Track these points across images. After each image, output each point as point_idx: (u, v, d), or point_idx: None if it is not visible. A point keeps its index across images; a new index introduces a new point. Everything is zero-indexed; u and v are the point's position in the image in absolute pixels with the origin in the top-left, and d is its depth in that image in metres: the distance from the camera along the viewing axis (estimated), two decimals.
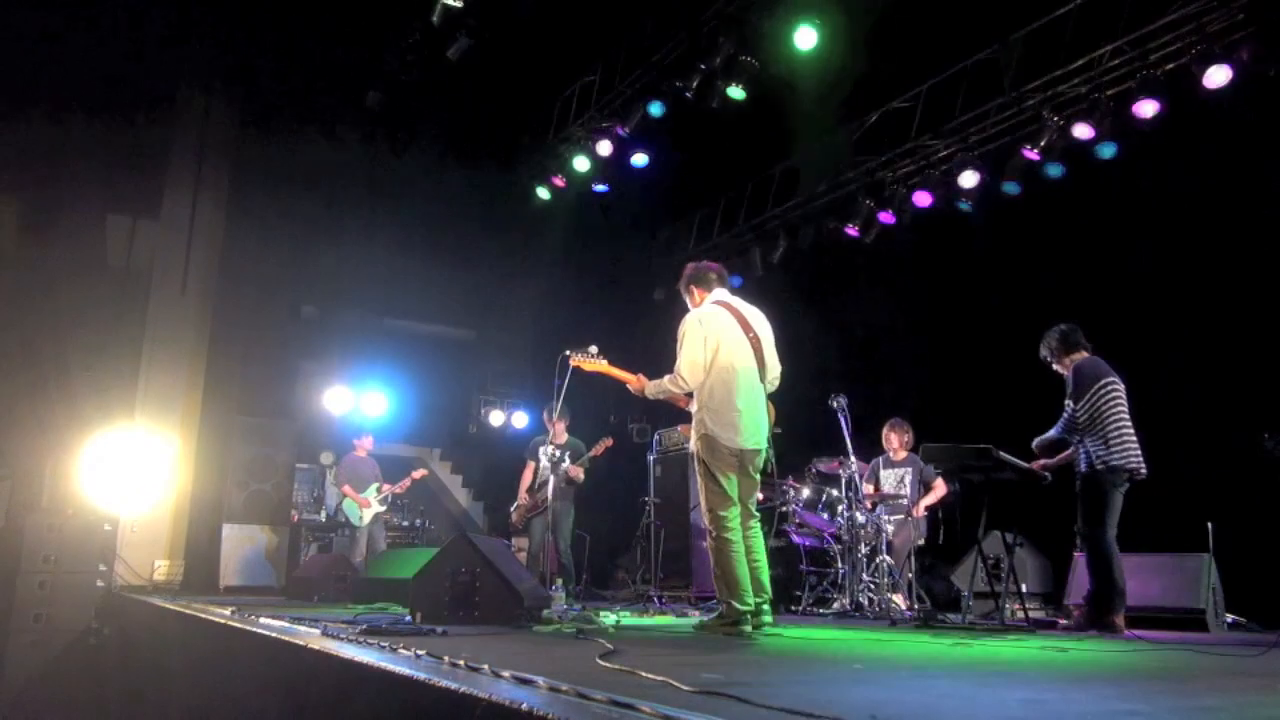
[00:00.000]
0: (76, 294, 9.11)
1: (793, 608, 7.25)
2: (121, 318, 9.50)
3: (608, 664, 2.89)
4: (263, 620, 4.45)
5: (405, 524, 10.31)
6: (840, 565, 7.32)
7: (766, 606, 4.70)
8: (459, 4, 8.02)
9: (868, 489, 7.50)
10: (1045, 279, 7.90)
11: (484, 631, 4.43)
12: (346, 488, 9.09)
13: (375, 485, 9.23)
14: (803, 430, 7.97)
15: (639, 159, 10.05)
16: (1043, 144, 7.94)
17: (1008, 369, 7.48)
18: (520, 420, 12.85)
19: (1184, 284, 7.18)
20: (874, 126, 9.56)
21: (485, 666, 2.52)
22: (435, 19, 8.08)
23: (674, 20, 8.82)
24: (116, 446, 8.79)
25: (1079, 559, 5.71)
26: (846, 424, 7.15)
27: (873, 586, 7.03)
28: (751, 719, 1.91)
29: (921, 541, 7.43)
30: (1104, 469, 5.15)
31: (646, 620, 5.86)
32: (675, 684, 2.29)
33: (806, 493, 7.93)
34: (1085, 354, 5.48)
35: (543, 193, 10.89)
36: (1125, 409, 5.26)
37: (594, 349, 5.53)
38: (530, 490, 8.01)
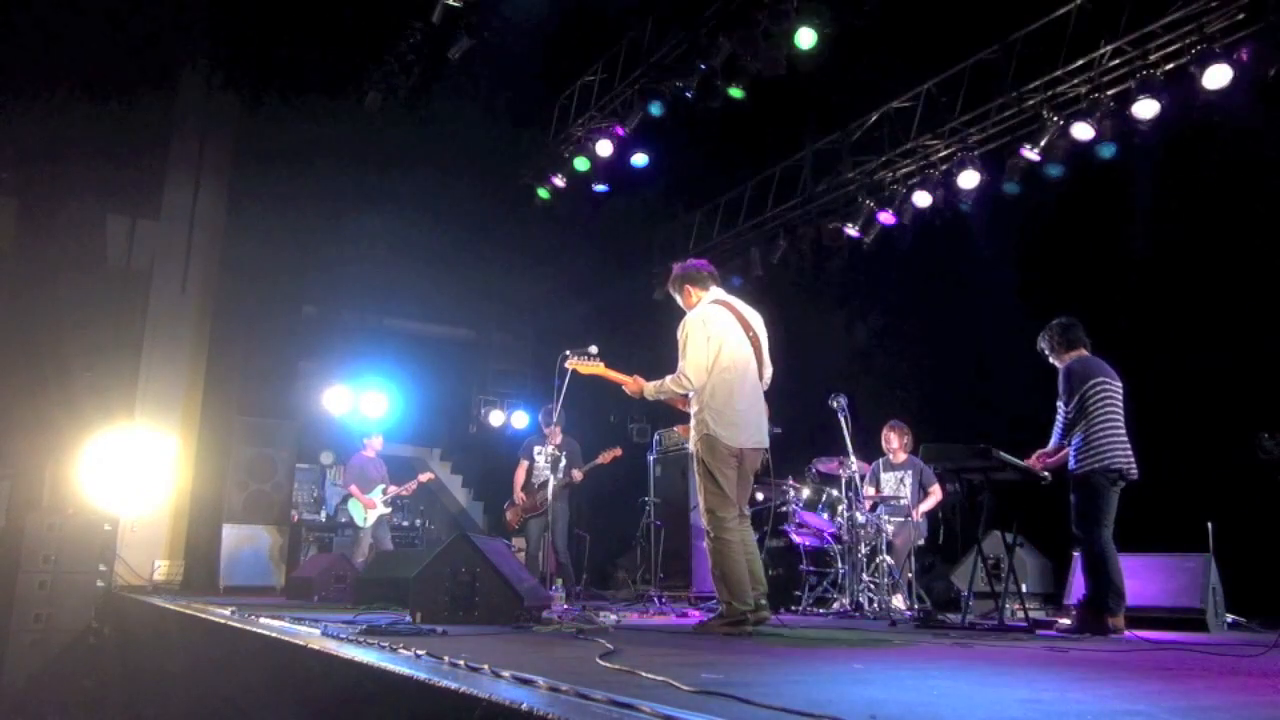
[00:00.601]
0: (76, 294, 9.11)
1: (793, 608, 7.25)
2: (121, 317, 9.49)
3: (608, 664, 2.89)
4: (263, 620, 4.45)
5: (405, 524, 10.31)
6: (840, 565, 7.32)
7: (764, 600, 4.69)
8: (459, 4, 8.02)
9: (868, 491, 7.50)
10: (1045, 279, 7.90)
11: (484, 631, 4.43)
12: (353, 487, 9.08)
13: (381, 486, 9.22)
14: (803, 430, 7.97)
15: (639, 159, 10.05)
16: (1043, 144, 7.94)
17: (1008, 369, 7.49)
18: (520, 420, 12.85)
19: (1184, 284, 7.18)
20: (874, 126, 9.56)
21: (485, 666, 2.52)
22: (435, 18, 8.09)
23: (674, 20, 8.82)
24: (116, 446, 8.79)
25: (1079, 559, 5.71)
26: (846, 424, 7.15)
27: (873, 587, 7.03)
28: (751, 719, 1.91)
29: (921, 542, 7.43)
30: (1089, 469, 5.12)
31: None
32: (675, 684, 2.29)
33: (806, 493, 7.92)
34: (1083, 351, 5.43)
35: (543, 193, 10.90)
36: (1115, 409, 5.20)
37: (594, 349, 5.54)
38: (526, 490, 8.01)
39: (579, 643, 3.83)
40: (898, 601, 7.03)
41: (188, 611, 5.36)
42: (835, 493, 7.57)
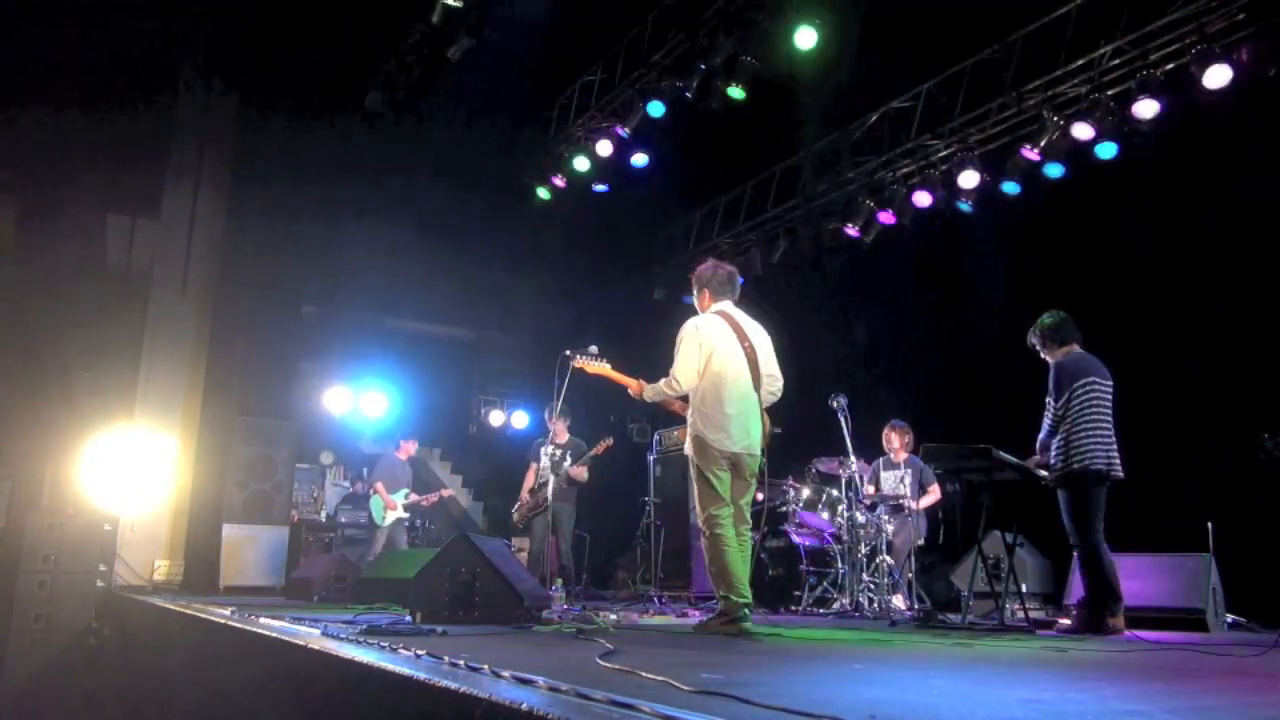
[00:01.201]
0: (76, 294, 9.10)
1: (793, 608, 7.25)
2: (121, 318, 9.49)
3: (608, 664, 2.89)
4: (263, 620, 4.45)
5: (405, 524, 10.29)
6: (840, 565, 7.32)
7: (747, 611, 4.70)
8: (459, 4, 8.02)
9: (869, 490, 7.50)
10: (1045, 278, 7.89)
11: (484, 631, 4.42)
12: (379, 485, 9.08)
13: (405, 490, 9.23)
14: (803, 430, 7.97)
15: (639, 159, 10.06)
16: (1043, 144, 7.94)
17: (1007, 369, 7.48)
18: (520, 420, 12.84)
19: (1183, 284, 7.18)
20: (874, 126, 9.56)
21: (485, 666, 2.52)
22: (435, 19, 8.09)
23: (674, 20, 8.82)
24: (116, 446, 8.79)
25: (1078, 559, 5.70)
26: (846, 424, 7.15)
27: (873, 586, 7.03)
28: (751, 719, 1.91)
29: (921, 541, 7.43)
30: (1069, 469, 5.10)
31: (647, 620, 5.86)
32: (675, 684, 2.29)
33: (806, 493, 7.93)
34: (1075, 347, 5.38)
35: (543, 193, 10.90)
36: (1102, 409, 5.15)
37: (594, 349, 5.57)
38: (531, 490, 8.01)
39: (579, 643, 3.83)
40: (898, 601, 7.03)
41: (188, 611, 5.36)
42: (835, 493, 7.57)
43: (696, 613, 6.17)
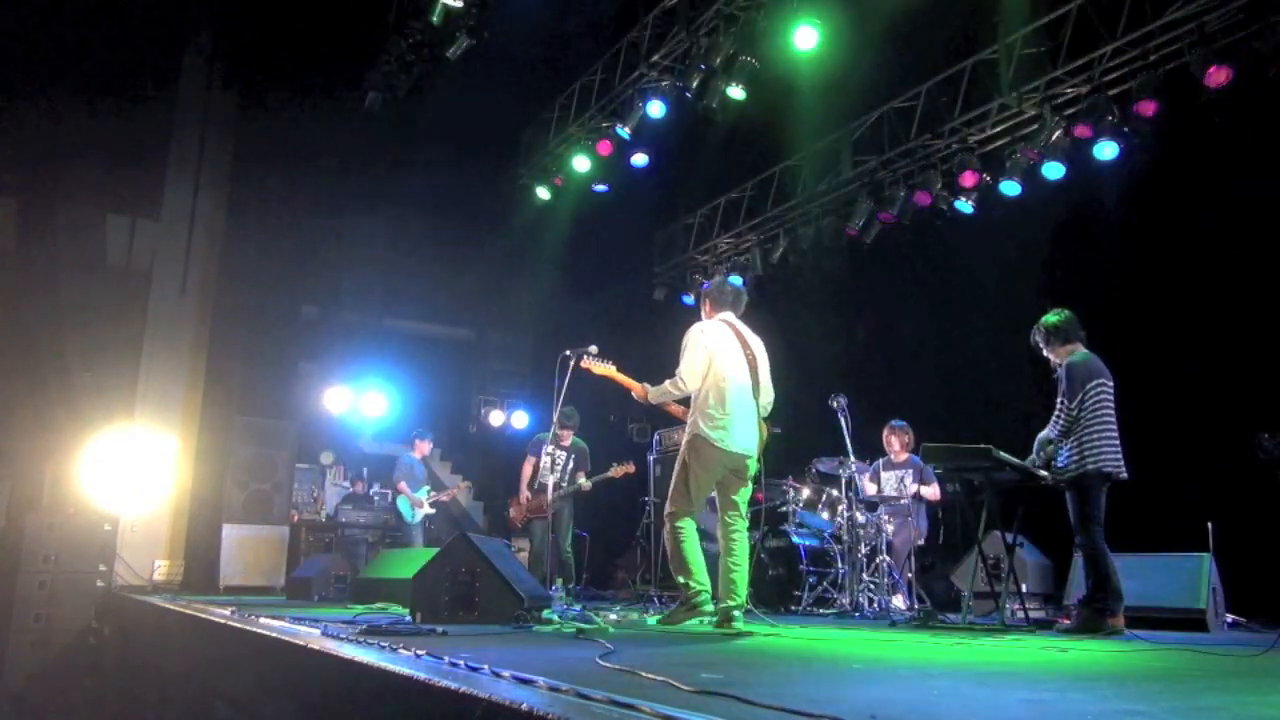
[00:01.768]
0: (76, 294, 9.10)
1: (793, 608, 7.25)
2: (121, 318, 9.49)
3: (608, 664, 2.89)
4: (263, 620, 4.45)
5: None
6: (840, 565, 7.31)
7: (739, 613, 4.82)
8: (459, 4, 8.02)
9: (870, 490, 7.49)
10: (1045, 278, 7.90)
11: (484, 631, 4.42)
12: (403, 485, 9.11)
13: (426, 488, 9.29)
14: (803, 430, 7.97)
15: (639, 159, 10.05)
16: (1043, 144, 7.94)
17: (1007, 369, 7.48)
18: (520, 420, 12.84)
19: (1183, 283, 7.18)
20: (874, 126, 9.56)
21: (485, 666, 2.52)
22: (435, 19, 8.09)
23: (674, 20, 8.83)
24: (116, 446, 8.79)
25: (1079, 559, 5.70)
26: (846, 424, 7.15)
27: (873, 586, 7.03)
28: (751, 719, 1.92)
29: (921, 541, 7.42)
30: (1082, 470, 5.10)
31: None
32: (675, 684, 2.29)
33: (806, 493, 7.92)
34: (1079, 346, 5.38)
35: (543, 193, 10.90)
36: (1111, 410, 5.16)
37: (594, 349, 5.59)
38: (531, 489, 8.00)
39: (579, 643, 3.83)
40: (898, 601, 7.02)
41: (188, 611, 5.36)
42: (835, 493, 7.57)
43: None
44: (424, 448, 9.48)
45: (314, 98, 9.53)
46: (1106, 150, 7.61)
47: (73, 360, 8.91)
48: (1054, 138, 7.90)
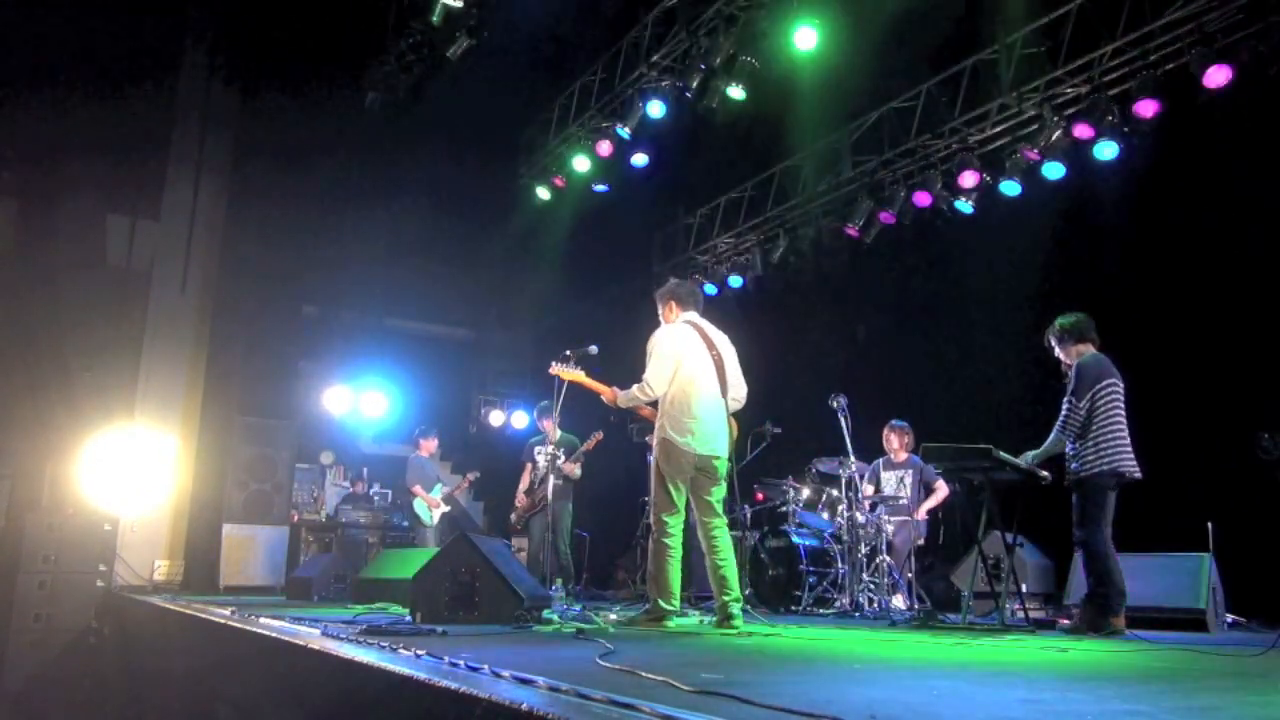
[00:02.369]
0: (76, 294, 9.09)
1: (793, 608, 7.25)
2: (121, 317, 9.49)
3: (608, 664, 2.89)
4: (263, 620, 4.45)
5: (405, 524, 10.30)
6: (840, 565, 7.31)
7: (736, 608, 4.91)
8: (459, 4, 8.02)
9: (868, 490, 7.49)
10: (1045, 278, 7.89)
11: (484, 631, 4.43)
12: (417, 487, 9.09)
13: (440, 485, 9.26)
14: (803, 430, 7.97)
15: (639, 159, 10.05)
16: (1043, 144, 7.94)
17: (1008, 369, 7.48)
18: (520, 420, 12.83)
19: (1183, 284, 7.18)
20: (874, 126, 9.56)
21: (485, 666, 2.52)
22: (435, 19, 8.09)
23: (674, 20, 8.82)
24: (116, 446, 8.79)
25: (1079, 559, 5.70)
26: (846, 424, 7.15)
27: (873, 586, 7.03)
28: (751, 719, 1.91)
29: (921, 542, 7.43)
30: (1096, 471, 5.10)
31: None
32: (675, 684, 2.29)
33: (806, 493, 7.92)
34: (1092, 347, 5.37)
35: (543, 193, 10.90)
36: (1121, 411, 5.18)
37: (594, 349, 5.61)
38: (527, 491, 8.01)
39: (579, 643, 3.83)
40: (898, 601, 7.03)
41: (188, 611, 5.36)
42: (835, 493, 7.57)
43: (696, 613, 6.16)
44: (430, 445, 9.44)
45: (314, 97, 9.53)
46: (1106, 150, 7.60)
47: (73, 360, 8.90)
48: (1054, 138, 7.90)
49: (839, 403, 7.14)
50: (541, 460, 7.72)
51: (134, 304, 9.58)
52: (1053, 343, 5.49)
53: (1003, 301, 8.11)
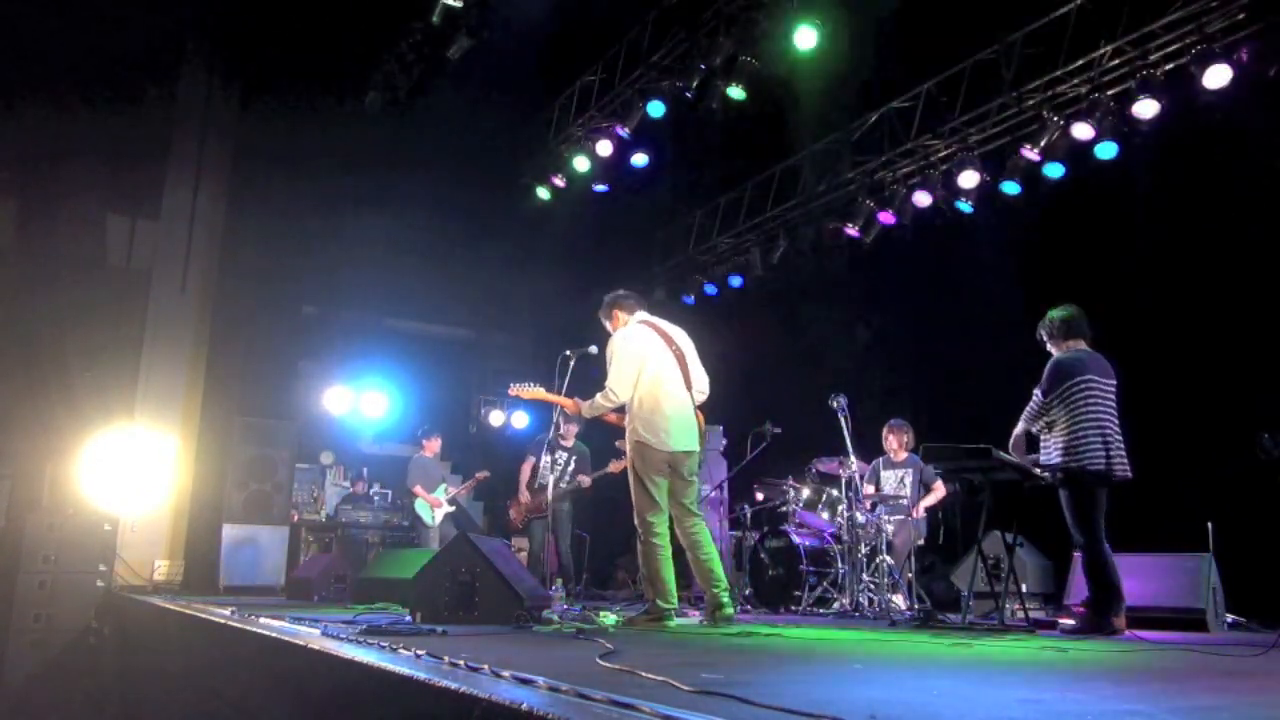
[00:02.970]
0: (76, 293, 9.10)
1: (793, 608, 7.25)
2: (121, 317, 9.49)
3: (608, 664, 2.89)
4: (263, 620, 4.45)
5: (405, 524, 10.31)
6: (840, 565, 7.31)
7: (725, 597, 5.02)
8: (459, 4, 8.02)
9: (868, 490, 7.49)
10: (1045, 278, 7.88)
11: (484, 631, 4.42)
12: (418, 488, 9.08)
13: (444, 485, 9.25)
14: (803, 430, 7.96)
15: (639, 159, 10.06)
16: (1043, 144, 7.94)
17: (1008, 369, 7.47)
18: (520, 420, 12.84)
19: (1183, 284, 7.18)
20: (874, 126, 9.56)
21: (485, 666, 2.52)
22: (435, 19, 8.09)
23: (674, 20, 8.82)
24: (116, 446, 8.79)
25: (1079, 559, 5.69)
26: (846, 424, 7.15)
27: (873, 586, 7.03)
28: (751, 719, 1.91)
29: (921, 542, 7.42)
30: (1064, 466, 5.08)
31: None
32: (675, 684, 2.29)
33: (806, 493, 7.92)
34: (1081, 343, 5.31)
35: (543, 193, 10.90)
36: (1102, 409, 5.06)
37: (593, 349, 5.61)
38: (530, 489, 8.00)
39: (579, 643, 3.83)
40: (898, 601, 7.02)
41: (188, 611, 5.36)
42: (835, 493, 7.57)
43: (696, 612, 6.17)
44: (434, 446, 9.43)
45: (314, 97, 9.53)
46: (1106, 150, 7.61)
47: (73, 360, 8.90)
48: (1054, 138, 7.90)
49: (839, 403, 7.13)
50: (547, 458, 7.71)
51: (134, 304, 9.58)
52: (1043, 336, 5.48)
53: (1002, 301, 8.10)
